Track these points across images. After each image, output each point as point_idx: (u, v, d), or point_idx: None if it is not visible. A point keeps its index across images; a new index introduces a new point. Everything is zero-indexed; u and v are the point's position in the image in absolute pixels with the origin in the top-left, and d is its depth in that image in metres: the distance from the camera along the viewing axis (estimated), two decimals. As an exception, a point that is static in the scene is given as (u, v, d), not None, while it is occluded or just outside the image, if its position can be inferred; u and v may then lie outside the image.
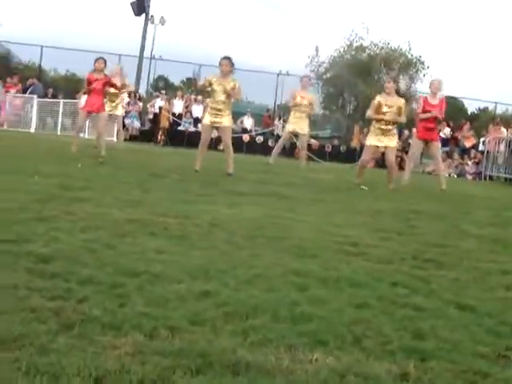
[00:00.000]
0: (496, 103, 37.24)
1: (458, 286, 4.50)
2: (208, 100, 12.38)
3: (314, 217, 7.19)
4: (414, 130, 19.71)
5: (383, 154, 13.80)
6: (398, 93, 13.37)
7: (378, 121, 12.49)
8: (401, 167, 24.80)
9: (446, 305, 3.96)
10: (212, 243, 5.12)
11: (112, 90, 15.62)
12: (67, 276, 3.76)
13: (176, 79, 47.28)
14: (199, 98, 27.39)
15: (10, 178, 8.12)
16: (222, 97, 11.98)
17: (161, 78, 53.42)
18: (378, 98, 12.62)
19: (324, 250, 5.29)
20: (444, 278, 4.68)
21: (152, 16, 34.31)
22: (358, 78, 31.26)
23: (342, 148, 27.47)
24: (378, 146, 12.84)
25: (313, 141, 26.66)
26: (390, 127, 12.54)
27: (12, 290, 3.39)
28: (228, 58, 12.09)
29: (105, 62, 14.26)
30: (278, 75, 32.86)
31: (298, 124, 16.92)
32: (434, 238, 6.43)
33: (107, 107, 15.74)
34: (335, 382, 2.64)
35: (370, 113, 12.73)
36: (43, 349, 2.67)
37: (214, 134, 20.01)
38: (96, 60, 14.18)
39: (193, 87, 32.92)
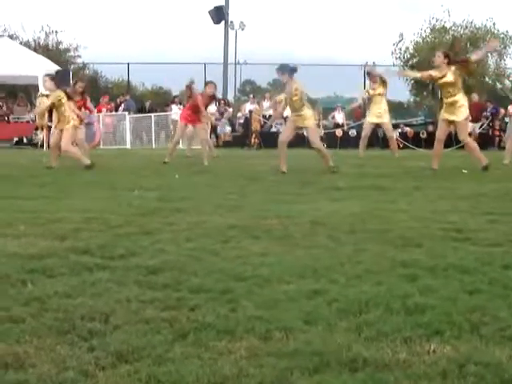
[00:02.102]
0: None
1: None
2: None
3: (416, 206, 7.09)
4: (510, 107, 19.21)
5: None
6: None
7: (444, 96, 12.00)
8: (500, 146, 24.29)
9: (563, 284, 3.84)
10: (315, 241, 5.11)
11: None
12: (177, 286, 3.82)
13: (263, 82, 47.47)
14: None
15: (112, 194, 8.32)
16: (293, 98, 11.97)
17: (247, 81, 53.86)
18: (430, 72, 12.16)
19: (429, 238, 5.21)
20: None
21: (232, 22, 34.59)
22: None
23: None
24: (448, 120, 12.15)
25: (407, 129, 26.30)
26: (453, 99, 11.85)
27: (125, 304, 3.45)
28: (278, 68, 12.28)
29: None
30: (363, 66, 32.55)
31: (377, 114, 16.82)
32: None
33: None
34: (455, 373, 2.58)
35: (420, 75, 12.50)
36: (160, 359, 2.71)
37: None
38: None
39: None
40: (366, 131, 17.34)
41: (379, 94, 16.76)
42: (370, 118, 17.21)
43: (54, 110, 13.17)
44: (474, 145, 12.20)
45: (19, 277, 3.98)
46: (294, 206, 7.17)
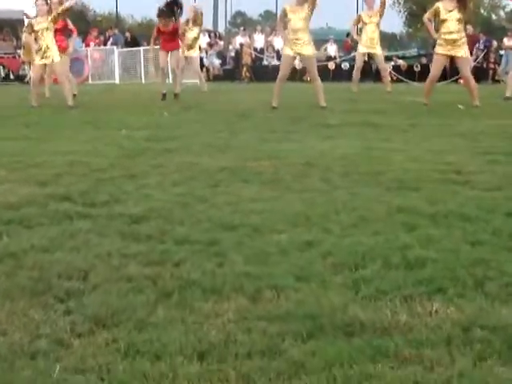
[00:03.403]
0: None
1: None
2: (286, 31, 11.68)
3: (411, 145, 6.85)
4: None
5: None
6: None
7: (446, 31, 11.56)
8: (494, 79, 23.95)
9: None
10: (308, 184, 4.88)
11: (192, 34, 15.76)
12: (162, 237, 3.60)
13: (254, 14, 46.72)
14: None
15: (99, 134, 8.06)
16: (299, 24, 11.41)
17: (238, 13, 53.00)
18: (437, 4, 11.69)
19: (426, 181, 4.98)
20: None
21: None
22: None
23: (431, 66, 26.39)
24: (447, 56, 11.90)
25: (400, 61, 25.89)
26: (457, 35, 11.51)
27: (106, 259, 3.24)
28: None
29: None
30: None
31: (369, 45, 16.30)
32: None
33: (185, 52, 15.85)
34: (460, 338, 2.37)
35: (425, 16, 11.99)
36: (142, 323, 2.50)
37: (299, 65, 19.67)
38: None
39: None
40: (359, 63, 16.80)
41: (374, 23, 16.25)
42: (362, 48, 16.68)
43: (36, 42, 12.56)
44: (474, 82, 11.86)
45: (-6, 228, 3.76)
46: (284, 144, 6.93)
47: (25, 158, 6.06)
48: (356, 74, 16.75)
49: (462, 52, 11.59)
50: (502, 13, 32.66)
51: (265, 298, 2.75)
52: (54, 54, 12.22)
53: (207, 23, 31.17)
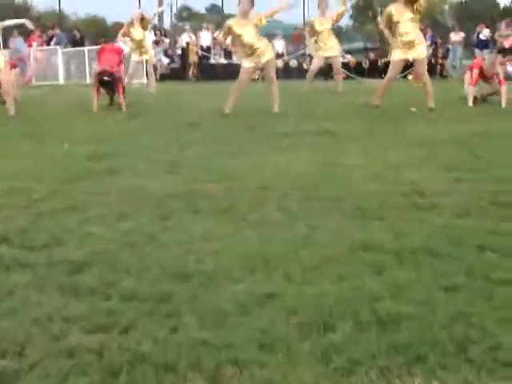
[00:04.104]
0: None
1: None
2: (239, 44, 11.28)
3: (369, 157, 6.58)
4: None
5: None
6: None
7: (401, 34, 11.35)
8: (442, 75, 23.92)
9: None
10: (264, 214, 4.56)
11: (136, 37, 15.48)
12: (107, 290, 3.24)
13: (200, 7, 46.27)
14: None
15: (40, 148, 7.65)
16: (250, 36, 11.05)
17: (184, 8, 52.39)
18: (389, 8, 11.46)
19: (389, 206, 4.69)
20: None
21: None
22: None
23: (380, 62, 26.23)
24: (406, 60, 11.72)
25: (348, 56, 25.71)
26: (412, 36, 11.32)
27: (46, 324, 2.88)
28: None
29: None
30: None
31: (327, 49, 16.06)
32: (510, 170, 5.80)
33: (136, 55, 15.62)
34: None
35: (381, 26, 11.73)
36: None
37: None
38: None
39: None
40: (316, 65, 16.55)
41: (327, 29, 16.01)
42: (322, 52, 16.38)
43: None
44: (430, 83, 11.64)
45: None
46: (237, 160, 6.60)
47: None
48: (310, 75, 16.49)
49: (420, 53, 11.41)
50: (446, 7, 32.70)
51: (226, 375, 2.43)
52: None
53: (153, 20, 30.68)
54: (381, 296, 3.09)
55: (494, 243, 3.82)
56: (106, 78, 12.31)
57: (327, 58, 16.47)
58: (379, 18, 11.97)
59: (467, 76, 12.43)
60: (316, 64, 16.56)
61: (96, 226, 4.35)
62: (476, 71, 12.05)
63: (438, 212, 4.53)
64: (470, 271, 3.40)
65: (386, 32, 11.51)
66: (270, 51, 11.29)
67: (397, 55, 11.53)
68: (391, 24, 11.32)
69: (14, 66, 14.13)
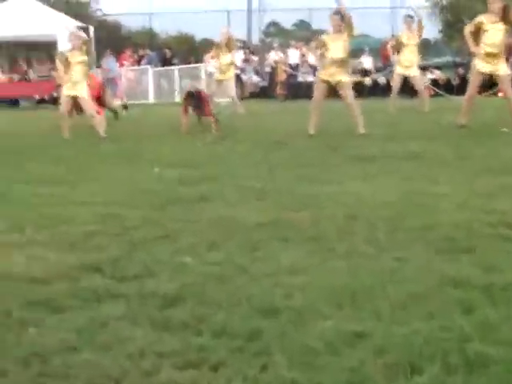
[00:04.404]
0: None
1: None
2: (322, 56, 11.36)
3: (456, 184, 6.50)
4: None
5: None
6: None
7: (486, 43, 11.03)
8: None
9: None
10: (352, 245, 4.58)
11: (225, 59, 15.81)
12: (198, 325, 3.31)
13: (287, 24, 46.44)
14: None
15: (131, 173, 7.89)
16: (339, 54, 11.11)
17: (272, 23, 52.69)
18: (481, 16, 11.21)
19: (477, 238, 4.65)
20: None
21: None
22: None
23: (468, 78, 25.68)
24: (483, 73, 11.37)
25: (437, 72, 25.33)
26: (498, 50, 11.03)
27: (138, 360, 2.97)
28: (336, 13, 11.21)
29: None
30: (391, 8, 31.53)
31: (407, 67, 15.87)
32: None
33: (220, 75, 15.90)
34: None
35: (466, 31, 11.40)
36: None
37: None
38: None
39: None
40: (396, 84, 16.38)
41: (413, 44, 15.87)
42: (398, 69, 16.27)
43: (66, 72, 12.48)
44: None
45: (20, 315, 3.51)
46: (323, 186, 6.63)
47: (53, 212, 5.83)
48: (393, 95, 16.31)
49: (502, 69, 11.19)
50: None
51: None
52: (82, 89, 12.11)
53: (241, 34, 31.11)
54: (470, 336, 3.07)
55: None
56: (193, 99, 12.48)
57: (406, 77, 16.26)
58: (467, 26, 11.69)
59: None
60: (395, 81, 16.37)
61: (187, 254, 4.45)
62: None
63: (529, 245, 4.46)
64: None
65: (470, 40, 11.26)
66: (344, 73, 11.29)
67: (479, 67, 11.33)
68: (478, 33, 11.10)
69: (102, 86, 14.57)
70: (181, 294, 3.75)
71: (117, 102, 14.54)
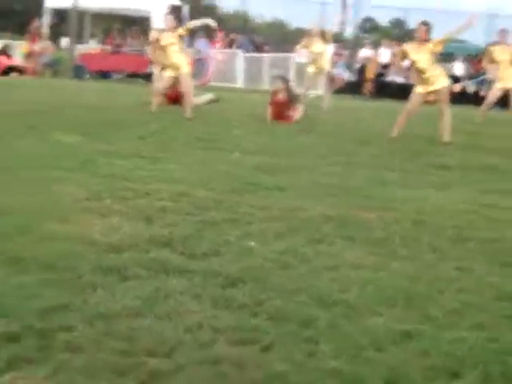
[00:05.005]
0: None
1: None
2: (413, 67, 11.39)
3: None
4: None
5: None
6: None
7: None
8: None
9: None
10: (415, 250, 4.68)
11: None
12: (255, 308, 3.49)
13: (383, 20, 46.11)
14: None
15: (211, 155, 8.10)
16: (425, 63, 11.08)
17: (367, 19, 52.41)
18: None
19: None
20: None
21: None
22: None
23: None
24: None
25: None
26: None
27: (195, 332, 3.16)
28: (424, 24, 11.15)
29: None
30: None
31: (505, 79, 15.56)
32: None
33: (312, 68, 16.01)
34: None
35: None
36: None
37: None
38: None
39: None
40: (493, 97, 16.04)
41: (509, 60, 15.53)
42: (501, 83, 15.92)
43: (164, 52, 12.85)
44: None
45: (91, 278, 3.74)
46: (396, 189, 6.74)
47: (133, 185, 6.09)
48: (487, 106, 15.98)
49: None
50: None
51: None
52: (182, 66, 12.42)
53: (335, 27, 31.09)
54: (513, 351, 3.17)
55: None
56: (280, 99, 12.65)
57: (507, 89, 15.93)
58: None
59: None
60: (494, 95, 16.07)
61: (253, 240, 4.63)
62: None
63: None
64: None
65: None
66: (442, 80, 11.23)
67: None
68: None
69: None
70: (243, 275, 3.93)
71: (206, 96, 14.76)
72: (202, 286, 3.74)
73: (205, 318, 3.31)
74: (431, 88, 11.02)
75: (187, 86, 12.61)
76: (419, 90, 11.16)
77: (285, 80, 13.52)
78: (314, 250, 4.55)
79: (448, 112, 11.16)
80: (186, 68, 12.54)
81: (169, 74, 12.73)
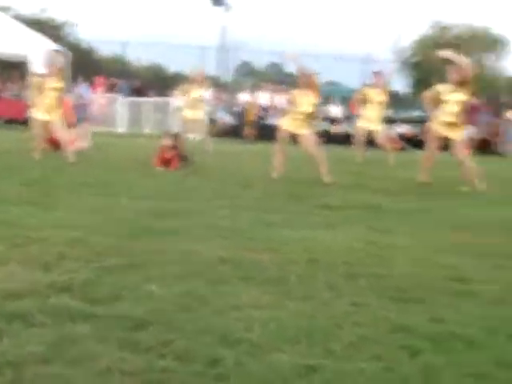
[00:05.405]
0: None
1: None
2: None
3: (413, 239, 6.83)
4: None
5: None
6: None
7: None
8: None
9: None
10: (311, 290, 4.82)
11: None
12: (162, 349, 3.55)
13: (260, 65, 47.01)
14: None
15: (101, 202, 8.09)
16: (303, 107, 11.57)
17: (244, 64, 53.33)
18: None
19: (429, 290, 4.95)
20: None
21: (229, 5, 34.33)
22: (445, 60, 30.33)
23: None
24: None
25: (406, 126, 25.79)
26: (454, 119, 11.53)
27: (105, 375, 3.20)
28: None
29: None
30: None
31: (368, 120, 16.23)
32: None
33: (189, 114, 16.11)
34: None
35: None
36: None
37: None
38: None
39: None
40: (359, 136, 16.68)
41: (379, 102, 16.20)
42: (362, 123, 16.64)
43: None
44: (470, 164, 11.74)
45: (-5, 325, 3.72)
46: (288, 230, 6.92)
47: (26, 232, 6.03)
48: (358, 146, 16.55)
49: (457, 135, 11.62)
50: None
51: None
52: (55, 112, 12.42)
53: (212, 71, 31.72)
54: (412, 378, 3.36)
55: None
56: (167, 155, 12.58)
57: (369, 131, 16.53)
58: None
59: None
60: (358, 134, 16.63)
61: (155, 283, 4.68)
62: None
63: (476, 300, 4.77)
64: (499, 362, 3.64)
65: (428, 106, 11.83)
66: (306, 126, 11.81)
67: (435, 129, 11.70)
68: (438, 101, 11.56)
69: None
70: (146, 318, 3.98)
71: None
72: (108, 330, 3.77)
73: (113, 362, 3.34)
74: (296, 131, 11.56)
75: (60, 132, 12.60)
76: (284, 126, 11.96)
77: (175, 137, 13.29)
78: (213, 290, 4.64)
79: (318, 154, 11.61)
80: (57, 115, 12.53)
81: (41, 116, 12.73)
